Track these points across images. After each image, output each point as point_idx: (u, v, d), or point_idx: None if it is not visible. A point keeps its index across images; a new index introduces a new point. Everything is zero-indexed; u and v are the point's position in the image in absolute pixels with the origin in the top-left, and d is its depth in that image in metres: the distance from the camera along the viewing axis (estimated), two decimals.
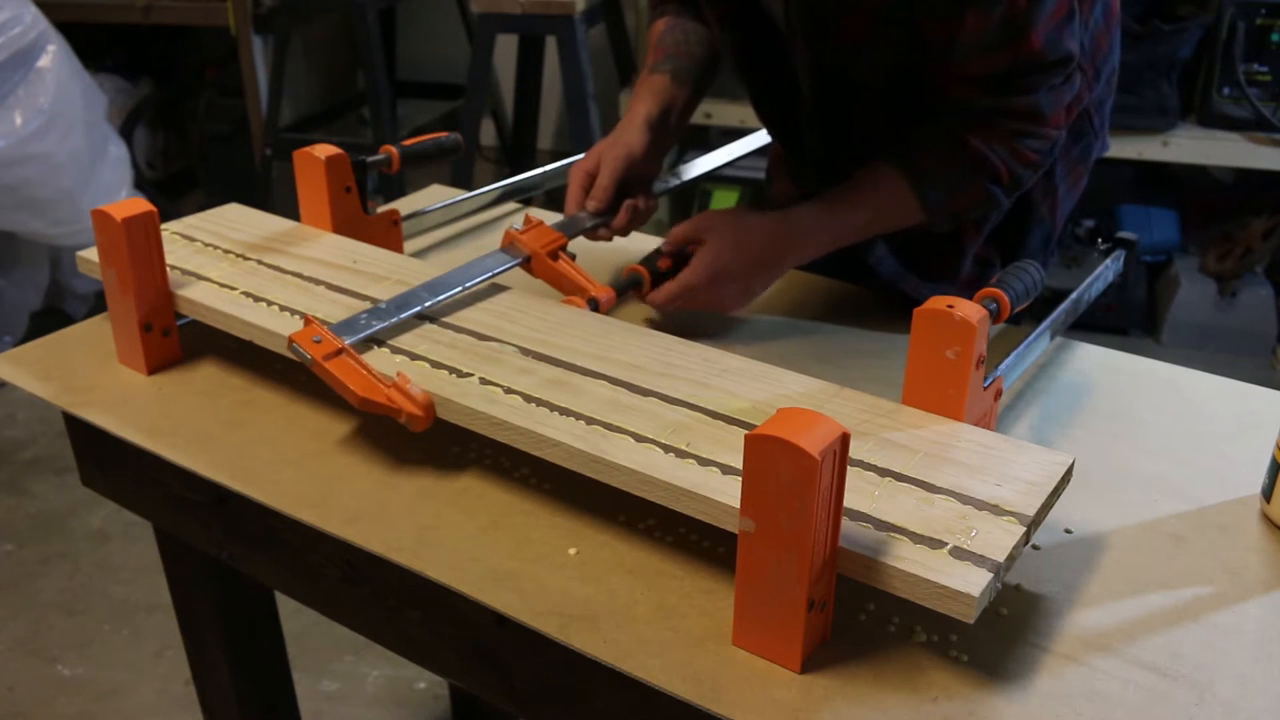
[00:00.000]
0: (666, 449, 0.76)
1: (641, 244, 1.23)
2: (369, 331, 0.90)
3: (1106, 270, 1.13)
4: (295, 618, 1.71)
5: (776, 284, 1.13)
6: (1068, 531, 0.81)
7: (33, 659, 1.96)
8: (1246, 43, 2.74)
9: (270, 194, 3.26)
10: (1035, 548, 0.79)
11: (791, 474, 0.62)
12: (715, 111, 3.00)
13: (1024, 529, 0.68)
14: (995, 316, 0.84)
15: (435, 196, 1.43)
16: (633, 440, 0.77)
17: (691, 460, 0.74)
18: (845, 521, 0.67)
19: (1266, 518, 0.83)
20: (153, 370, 1.02)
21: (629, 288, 1.07)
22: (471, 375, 0.86)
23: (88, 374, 1.03)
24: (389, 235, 1.18)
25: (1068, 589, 0.76)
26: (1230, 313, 2.92)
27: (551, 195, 1.54)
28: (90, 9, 3.25)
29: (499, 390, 0.83)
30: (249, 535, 0.94)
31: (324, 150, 1.10)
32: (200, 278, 1.03)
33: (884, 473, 0.74)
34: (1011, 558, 0.66)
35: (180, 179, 3.77)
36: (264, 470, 0.89)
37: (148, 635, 2.01)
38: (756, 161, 1.49)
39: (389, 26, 3.73)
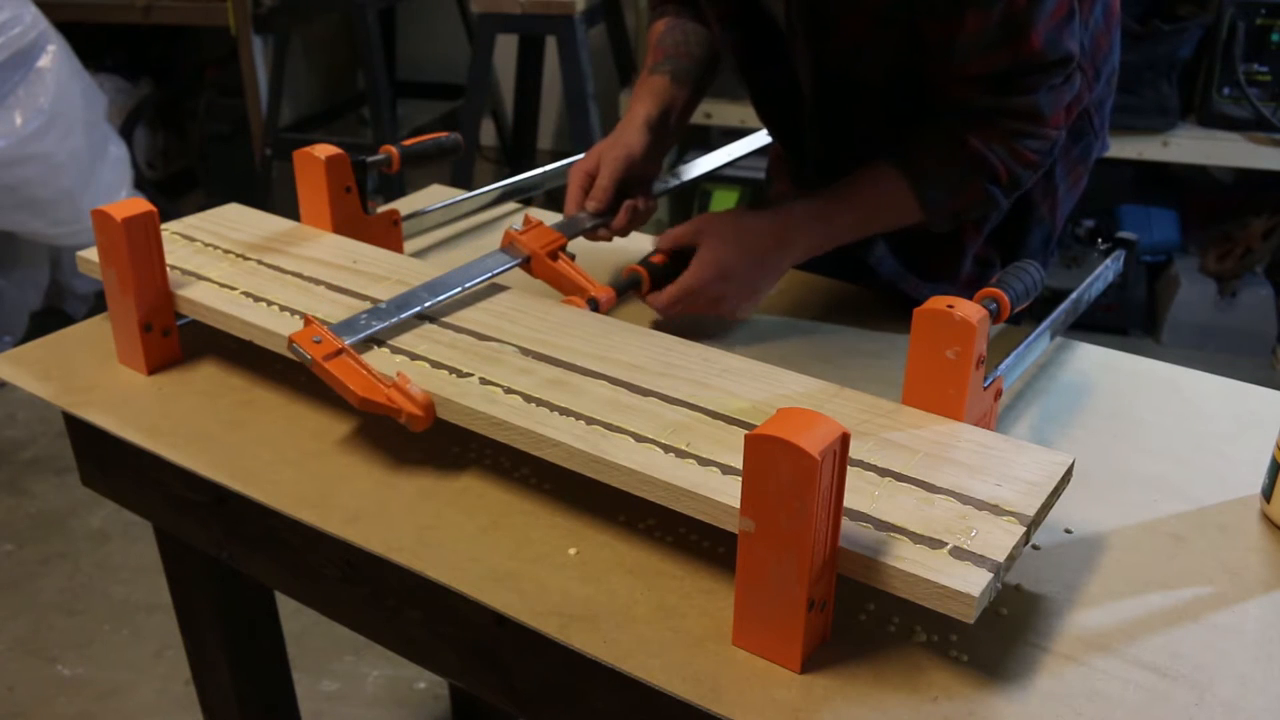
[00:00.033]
0: (666, 449, 0.76)
1: (641, 244, 1.23)
2: (369, 331, 0.90)
3: (1106, 270, 1.13)
4: (295, 618, 1.72)
5: (776, 284, 1.13)
6: (1068, 531, 0.81)
7: (33, 659, 1.96)
8: (1246, 43, 2.74)
9: (270, 194, 3.26)
10: (1035, 548, 0.79)
11: (791, 474, 0.62)
12: (715, 111, 3.00)
13: (1024, 529, 0.68)
14: (995, 316, 0.84)
15: (435, 196, 1.43)
16: (633, 440, 0.77)
17: (691, 460, 0.74)
18: (845, 521, 0.67)
19: (1266, 518, 0.83)
20: (153, 370, 1.02)
21: (629, 288, 1.07)
22: (471, 375, 0.86)
23: (88, 374, 1.03)
24: (389, 235, 1.18)
25: (1068, 589, 0.76)
26: (1230, 313, 2.92)
27: (551, 195, 1.54)
28: (90, 9, 3.25)
29: (499, 390, 0.83)
30: (249, 535, 0.94)
31: (324, 150, 1.10)
32: (200, 278, 1.03)
33: (884, 473, 0.74)
34: (1011, 558, 0.66)
35: (180, 179, 3.77)
36: (264, 470, 0.89)
37: (148, 635, 2.01)
38: (756, 161, 1.49)
39: (389, 26, 3.73)
